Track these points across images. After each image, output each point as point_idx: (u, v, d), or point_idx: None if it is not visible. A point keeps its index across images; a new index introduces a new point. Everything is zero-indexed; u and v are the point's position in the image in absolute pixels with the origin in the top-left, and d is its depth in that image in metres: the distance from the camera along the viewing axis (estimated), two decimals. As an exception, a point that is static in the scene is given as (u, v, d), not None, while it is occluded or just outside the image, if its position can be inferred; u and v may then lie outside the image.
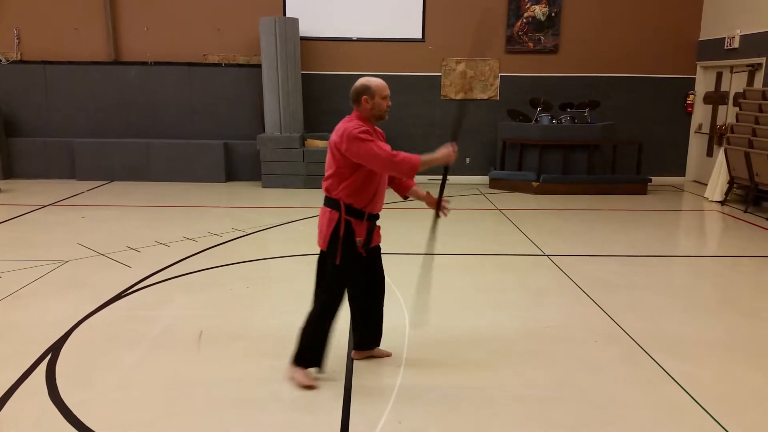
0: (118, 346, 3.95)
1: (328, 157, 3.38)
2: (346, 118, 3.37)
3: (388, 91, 3.37)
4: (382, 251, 3.63)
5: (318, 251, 3.50)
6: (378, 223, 3.52)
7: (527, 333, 4.24)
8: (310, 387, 3.43)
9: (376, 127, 3.45)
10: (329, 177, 3.36)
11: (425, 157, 3.25)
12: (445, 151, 3.28)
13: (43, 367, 3.64)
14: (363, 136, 3.20)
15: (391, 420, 3.14)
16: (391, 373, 3.63)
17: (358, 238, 3.36)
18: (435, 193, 3.54)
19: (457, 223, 7.33)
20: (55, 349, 3.88)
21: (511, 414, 3.22)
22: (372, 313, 3.71)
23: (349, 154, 3.23)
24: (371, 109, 3.33)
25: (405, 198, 3.76)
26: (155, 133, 10.50)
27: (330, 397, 3.36)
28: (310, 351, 3.49)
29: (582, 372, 3.69)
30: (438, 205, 3.53)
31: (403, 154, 3.20)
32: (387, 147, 3.22)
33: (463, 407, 3.27)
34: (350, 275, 3.46)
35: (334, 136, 3.31)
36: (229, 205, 8.42)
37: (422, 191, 3.63)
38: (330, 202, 3.38)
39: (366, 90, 3.31)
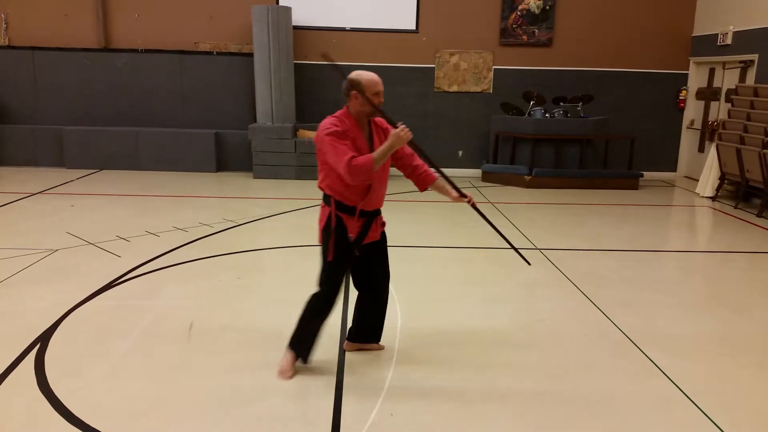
0: (108, 336, 3.91)
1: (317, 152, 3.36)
2: (333, 114, 3.28)
3: (380, 87, 3.22)
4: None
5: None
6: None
7: (519, 326, 4.24)
8: (286, 376, 3.43)
9: (379, 121, 3.37)
10: (320, 172, 3.33)
11: (377, 152, 3.10)
12: (393, 137, 3.09)
13: (32, 356, 3.60)
14: (329, 138, 3.10)
15: (382, 412, 3.13)
16: (383, 366, 3.62)
17: (350, 234, 3.32)
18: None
19: (449, 215, 7.33)
20: (44, 338, 3.84)
21: (503, 407, 3.22)
22: (369, 308, 3.68)
23: (320, 154, 3.22)
24: (360, 105, 3.22)
25: (423, 190, 3.61)
26: (145, 121, 10.40)
27: (321, 388, 3.35)
28: (301, 341, 3.49)
29: (573, 366, 3.70)
30: (462, 195, 3.46)
31: (360, 159, 3.06)
32: (348, 154, 3.06)
33: (454, 400, 3.27)
34: (343, 270, 3.43)
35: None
36: (219, 195, 8.36)
37: (447, 187, 3.45)
38: (324, 197, 3.37)
39: (356, 85, 3.18)
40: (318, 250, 3.47)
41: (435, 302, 4.64)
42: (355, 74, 3.24)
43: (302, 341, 3.50)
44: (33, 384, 3.29)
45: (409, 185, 3.65)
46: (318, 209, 3.54)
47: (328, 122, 3.21)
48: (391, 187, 3.76)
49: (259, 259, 5.72)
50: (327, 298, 3.42)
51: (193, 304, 4.48)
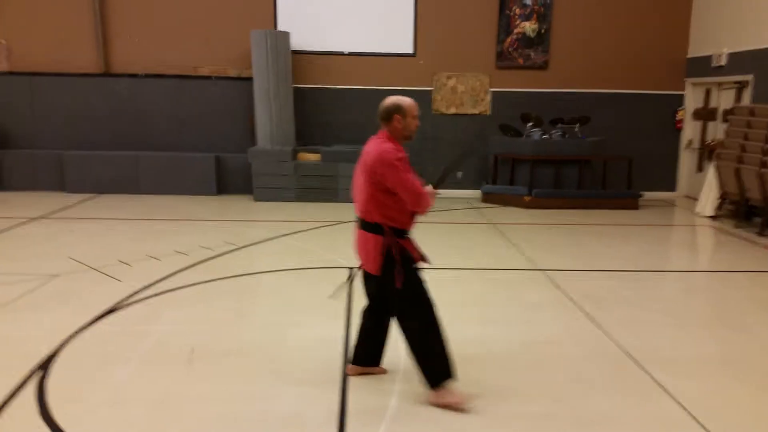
0: (109, 361, 3.90)
1: (360, 179, 3.29)
2: (378, 139, 3.29)
3: (418, 111, 3.35)
4: None
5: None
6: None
7: (521, 348, 4.23)
8: (464, 405, 3.34)
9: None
10: (368, 201, 3.27)
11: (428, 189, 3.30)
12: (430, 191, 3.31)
13: (33, 383, 3.58)
14: (398, 164, 3.16)
15: (386, 437, 3.11)
16: (386, 390, 3.60)
17: (413, 255, 3.35)
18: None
19: (450, 236, 7.34)
20: (46, 364, 3.82)
21: (505, 428, 3.20)
22: (379, 332, 3.66)
23: (383, 179, 3.18)
24: (402, 130, 3.29)
25: None
26: (145, 145, 10.46)
27: (324, 414, 3.33)
28: (439, 366, 3.37)
29: (576, 387, 3.68)
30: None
31: (425, 194, 3.22)
32: (418, 182, 3.19)
33: (457, 425, 3.25)
34: (422, 283, 3.38)
35: (367, 157, 3.23)
36: (220, 219, 8.37)
37: None
38: (370, 226, 3.30)
39: (398, 109, 3.26)
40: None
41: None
42: (395, 99, 3.31)
43: (440, 365, 3.36)
44: (35, 411, 3.27)
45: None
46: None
47: (388, 147, 3.20)
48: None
49: (260, 282, 5.71)
50: (429, 317, 3.34)
51: (194, 328, 4.47)
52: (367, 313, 3.66)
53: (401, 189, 3.18)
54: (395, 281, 3.28)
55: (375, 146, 3.26)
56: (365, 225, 3.34)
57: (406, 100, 3.31)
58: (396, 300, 3.37)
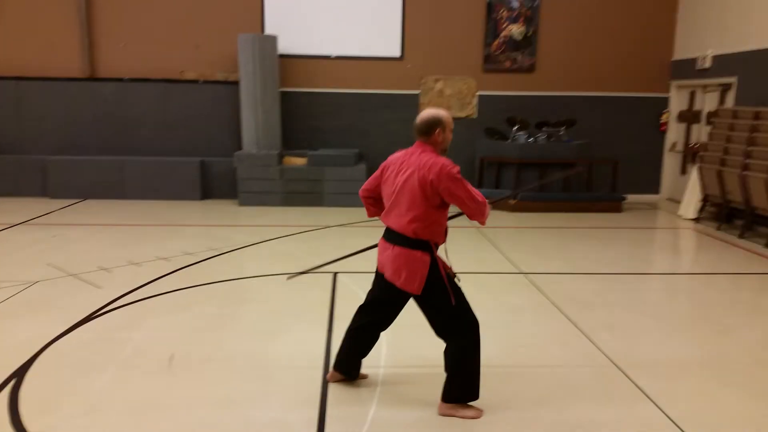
0: (86, 370, 3.84)
1: (409, 196, 3.18)
2: (423, 153, 3.22)
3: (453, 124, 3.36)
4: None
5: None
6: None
7: (503, 352, 4.21)
8: (478, 418, 3.35)
9: None
10: (416, 219, 3.17)
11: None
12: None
13: (5, 393, 3.52)
14: (459, 176, 3.14)
15: (364, 444, 3.08)
16: (367, 397, 3.57)
17: (450, 270, 3.35)
18: None
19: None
20: (20, 373, 3.76)
21: (487, 436, 3.19)
22: (369, 345, 3.63)
23: (444, 193, 3.13)
24: (441, 143, 3.27)
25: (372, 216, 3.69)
26: (130, 150, 10.38)
27: (304, 421, 3.30)
28: (472, 385, 3.35)
29: (558, 391, 3.67)
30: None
31: (484, 200, 3.22)
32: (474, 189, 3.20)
33: (439, 428, 3.23)
34: (465, 298, 3.35)
35: (421, 173, 3.13)
36: (204, 224, 8.32)
37: None
38: (415, 243, 3.21)
39: (439, 122, 3.23)
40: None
41: (418, 329, 4.58)
42: (434, 112, 3.27)
43: (473, 385, 3.35)
44: (6, 422, 3.21)
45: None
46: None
47: (445, 161, 3.16)
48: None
49: (243, 288, 5.67)
50: (475, 333, 3.32)
51: (174, 335, 4.42)
52: (363, 318, 3.56)
53: (469, 200, 3.14)
54: (447, 299, 3.24)
55: (427, 160, 3.17)
56: (407, 242, 3.22)
57: (444, 114, 3.28)
58: (445, 317, 3.30)
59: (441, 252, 3.36)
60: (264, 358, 4.08)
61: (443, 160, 3.18)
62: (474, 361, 3.33)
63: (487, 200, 3.23)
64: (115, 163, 9.97)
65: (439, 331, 3.36)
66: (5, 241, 7.10)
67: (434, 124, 3.23)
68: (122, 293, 5.28)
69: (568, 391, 3.68)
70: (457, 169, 3.16)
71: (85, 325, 4.58)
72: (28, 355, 4.01)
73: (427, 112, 3.29)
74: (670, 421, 3.34)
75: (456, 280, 3.39)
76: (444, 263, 3.33)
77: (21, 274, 5.77)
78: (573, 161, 9.89)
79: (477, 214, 3.22)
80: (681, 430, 3.26)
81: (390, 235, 3.32)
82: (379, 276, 3.46)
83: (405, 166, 3.24)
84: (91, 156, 10.18)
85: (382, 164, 3.45)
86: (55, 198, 9.83)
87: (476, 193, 3.18)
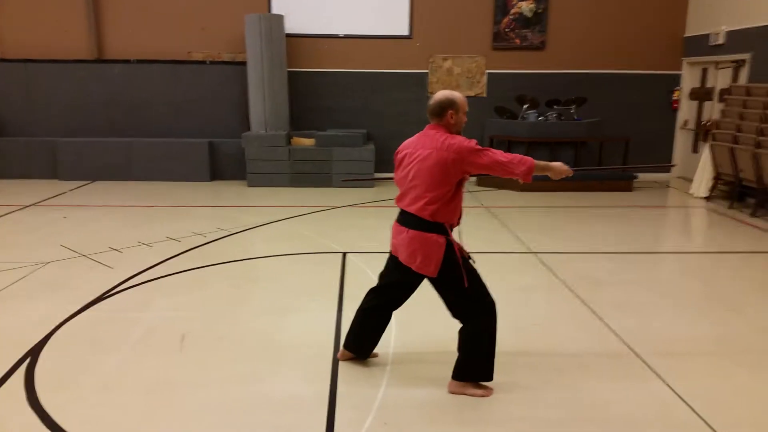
0: (100, 348, 3.88)
1: (427, 178, 3.16)
2: (437, 134, 3.20)
3: (467, 107, 3.33)
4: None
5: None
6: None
7: (514, 331, 4.21)
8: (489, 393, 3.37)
9: None
10: (433, 200, 3.16)
11: (540, 162, 3.29)
12: (560, 166, 3.40)
13: (21, 371, 3.56)
14: (480, 147, 3.16)
15: (376, 421, 3.10)
16: (378, 375, 3.59)
17: (464, 252, 3.34)
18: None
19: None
20: (35, 352, 3.81)
21: (497, 412, 3.20)
22: (383, 324, 3.62)
23: (470, 167, 3.15)
24: (455, 125, 3.25)
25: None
26: (139, 132, 10.38)
27: (315, 398, 3.32)
28: (487, 366, 3.36)
29: (569, 369, 3.67)
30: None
31: (518, 156, 3.21)
32: (515, 154, 3.21)
33: (449, 406, 3.25)
34: (481, 280, 3.35)
35: (439, 153, 3.12)
36: (213, 205, 8.34)
37: None
38: (431, 226, 3.20)
39: (452, 104, 3.21)
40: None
41: (428, 309, 4.59)
42: (448, 94, 3.26)
43: (488, 366, 3.35)
44: (22, 399, 3.26)
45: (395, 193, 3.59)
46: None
47: (461, 139, 3.18)
48: (379, 194, 3.73)
49: (252, 268, 5.69)
50: (492, 315, 3.32)
51: (185, 315, 4.45)
52: (376, 299, 3.56)
53: (495, 165, 3.15)
54: (461, 281, 3.23)
55: (444, 140, 3.17)
56: (422, 224, 3.20)
57: (458, 95, 3.25)
58: (462, 299, 3.30)
59: (455, 234, 3.34)
60: (275, 337, 4.10)
61: (459, 138, 3.19)
62: (490, 343, 3.33)
63: (526, 157, 3.21)
64: (124, 144, 9.98)
65: (456, 312, 3.36)
66: (17, 223, 7.15)
67: (447, 105, 3.22)
68: (134, 273, 5.31)
69: (580, 370, 3.68)
70: (474, 141, 3.17)
71: (97, 304, 4.62)
72: (43, 334, 4.05)
73: (440, 94, 3.28)
74: (681, 400, 3.34)
75: (471, 261, 3.37)
76: (459, 245, 3.32)
77: (34, 254, 5.81)
78: (584, 139, 9.81)
79: (509, 174, 3.20)
80: (692, 408, 3.25)
81: (404, 219, 3.30)
82: (393, 258, 3.45)
83: (420, 148, 3.23)
84: (99, 138, 10.20)
85: (395, 155, 3.43)
86: (65, 180, 9.88)
87: (501, 154, 3.17)
